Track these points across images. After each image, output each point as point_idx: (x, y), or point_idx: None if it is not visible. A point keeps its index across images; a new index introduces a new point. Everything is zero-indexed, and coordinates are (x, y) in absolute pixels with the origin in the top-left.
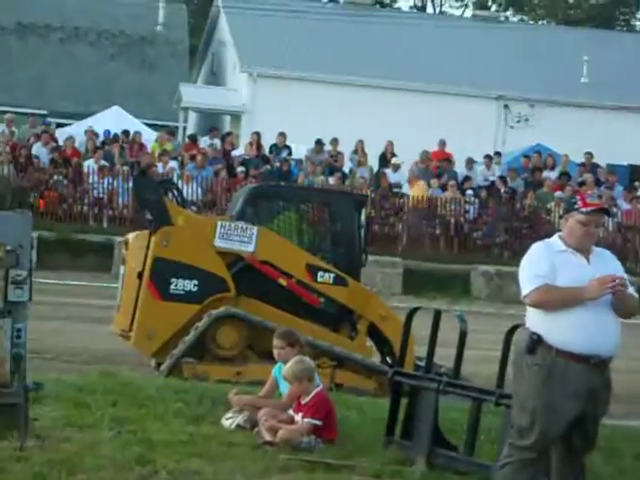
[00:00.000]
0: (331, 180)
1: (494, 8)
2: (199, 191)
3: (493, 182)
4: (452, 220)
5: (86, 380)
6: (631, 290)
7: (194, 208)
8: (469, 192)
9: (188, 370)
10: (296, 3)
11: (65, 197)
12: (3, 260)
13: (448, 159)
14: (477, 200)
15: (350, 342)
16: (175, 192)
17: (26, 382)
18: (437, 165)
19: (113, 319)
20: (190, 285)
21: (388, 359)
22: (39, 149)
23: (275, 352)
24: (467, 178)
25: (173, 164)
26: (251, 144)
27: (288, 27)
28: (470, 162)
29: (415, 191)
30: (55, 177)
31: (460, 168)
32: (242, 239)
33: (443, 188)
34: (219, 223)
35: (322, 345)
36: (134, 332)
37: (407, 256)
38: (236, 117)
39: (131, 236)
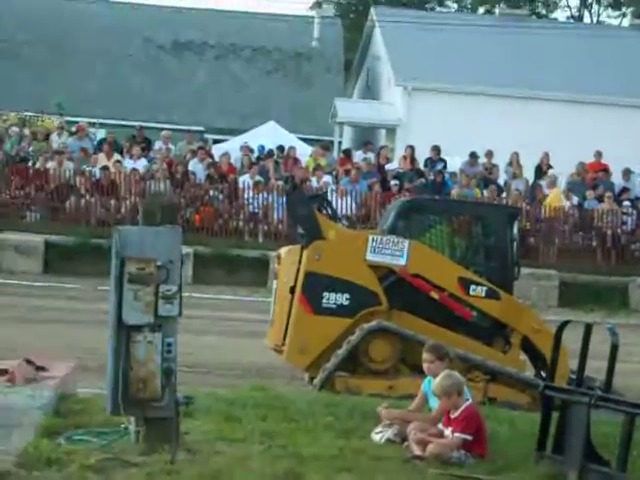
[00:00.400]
0: (485, 193)
1: None
2: (353, 205)
3: None
4: (609, 232)
5: (237, 394)
6: None
7: (345, 222)
8: (626, 203)
9: (341, 384)
10: (451, 15)
11: (221, 212)
12: (154, 275)
13: (605, 170)
14: (635, 211)
15: (503, 356)
16: (327, 206)
17: (177, 396)
18: (593, 176)
19: (267, 333)
20: (342, 299)
21: (542, 373)
22: (195, 165)
23: (424, 366)
24: (624, 189)
25: (327, 178)
26: (405, 157)
27: (443, 40)
28: (627, 173)
29: (551, 199)
30: (211, 193)
31: (617, 179)
32: (394, 252)
33: (599, 199)
34: (370, 237)
35: (475, 359)
36: (287, 346)
37: (563, 268)
38: (391, 131)
39: (283, 251)
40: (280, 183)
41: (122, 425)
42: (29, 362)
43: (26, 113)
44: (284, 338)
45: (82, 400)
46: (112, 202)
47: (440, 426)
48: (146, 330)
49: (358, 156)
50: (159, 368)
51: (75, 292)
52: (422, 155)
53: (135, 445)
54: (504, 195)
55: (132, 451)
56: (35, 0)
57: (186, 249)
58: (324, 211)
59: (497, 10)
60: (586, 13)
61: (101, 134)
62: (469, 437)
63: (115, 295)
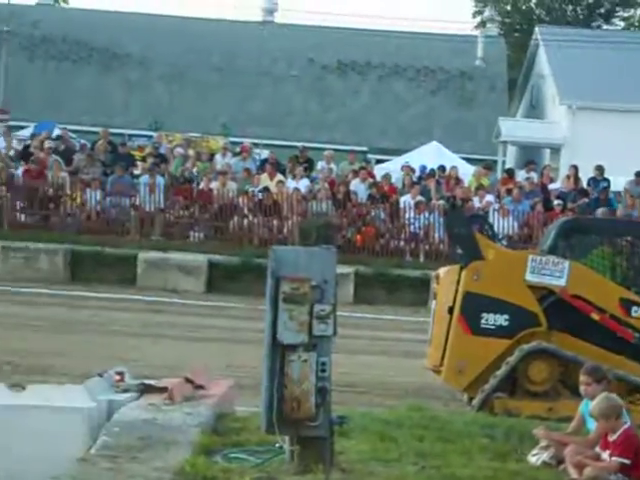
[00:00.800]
0: None
1: None
2: (515, 225)
3: None
4: None
5: (394, 414)
6: None
7: (504, 242)
8: None
9: (499, 405)
10: (616, 33)
11: (382, 232)
12: (308, 295)
13: None
14: None
15: None
16: (486, 226)
17: (331, 416)
18: None
19: (426, 354)
20: (501, 319)
21: None
22: (357, 185)
23: (582, 388)
24: None
25: (490, 198)
26: (569, 177)
27: (608, 58)
28: None
29: None
30: (372, 213)
31: None
32: (554, 273)
33: None
34: (530, 257)
35: (636, 381)
36: (445, 367)
37: None
38: (555, 150)
39: (442, 271)
40: (441, 203)
41: (277, 444)
42: (188, 380)
43: (191, 134)
44: (442, 358)
45: (239, 418)
46: (274, 222)
47: (597, 449)
48: (300, 349)
49: (521, 175)
50: (313, 387)
51: (237, 311)
52: (586, 175)
53: (289, 464)
54: None
55: (286, 470)
56: (201, 23)
57: (347, 269)
58: (484, 231)
59: None
60: None
61: (265, 154)
62: (627, 461)
63: (270, 314)
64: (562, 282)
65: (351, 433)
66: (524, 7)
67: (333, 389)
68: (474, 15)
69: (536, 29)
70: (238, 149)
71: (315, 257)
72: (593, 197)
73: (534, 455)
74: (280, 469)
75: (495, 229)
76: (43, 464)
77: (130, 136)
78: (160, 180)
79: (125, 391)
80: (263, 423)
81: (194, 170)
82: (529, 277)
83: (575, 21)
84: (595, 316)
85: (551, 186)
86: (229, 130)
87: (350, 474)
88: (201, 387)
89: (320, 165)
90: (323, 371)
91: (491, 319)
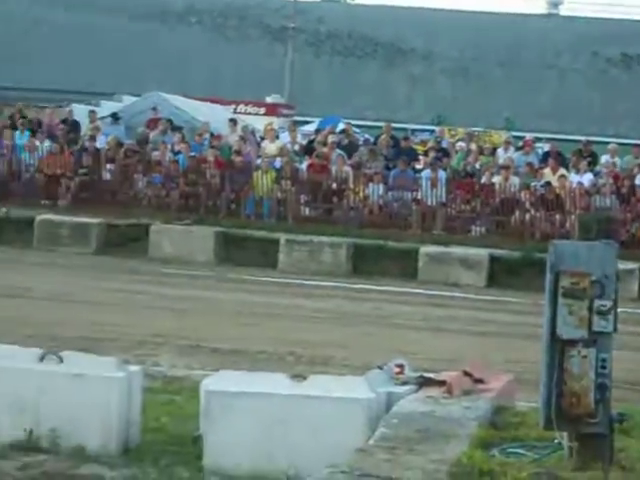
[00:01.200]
0: None
1: None
2: None
3: None
4: None
5: None
6: None
7: None
8: None
9: None
10: None
11: None
12: (587, 290)
13: None
14: None
15: None
16: None
17: (611, 413)
18: None
19: None
20: None
21: None
22: None
23: None
24: None
25: None
26: None
27: None
28: None
29: None
30: None
31: None
32: None
33: None
34: None
35: None
36: None
37: None
38: None
39: None
40: None
41: (555, 440)
42: (467, 374)
43: (474, 128)
44: None
45: (518, 413)
46: (557, 216)
47: None
48: (580, 345)
49: None
50: (593, 384)
51: (517, 306)
52: None
53: (568, 460)
54: None
55: (565, 466)
56: (484, 16)
57: (631, 265)
58: None
59: None
60: None
61: (547, 148)
62: None
63: (549, 309)
64: None
65: (632, 431)
66: None
67: (614, 386)
68: None
69: None
70: (521, 143)
71: (595, 251)
72: None
73: None
74: (558, 465)
75: None
76: (322, 453)
77: (413, 130)
78: (442, 174)
79: (404, 383)
80: (541, 418)
81: (476, 164)
82: None
83: None
84: None
85: None
86: (512, 124)
87: (630, 472)
88: (480, 381)
89: (604, 159)
90: (603, 367)
91: None
